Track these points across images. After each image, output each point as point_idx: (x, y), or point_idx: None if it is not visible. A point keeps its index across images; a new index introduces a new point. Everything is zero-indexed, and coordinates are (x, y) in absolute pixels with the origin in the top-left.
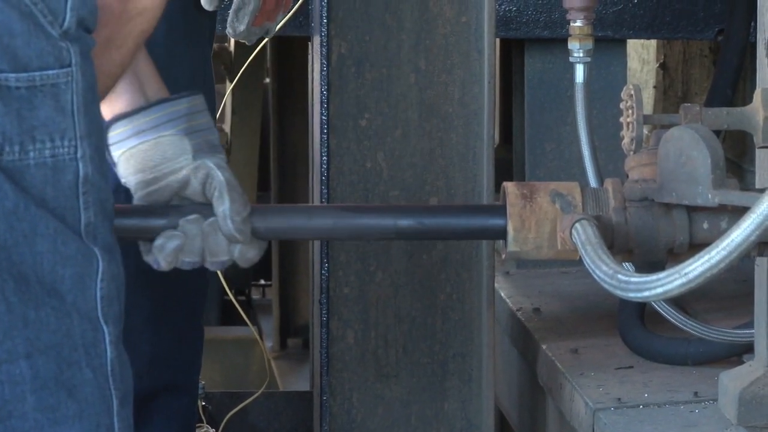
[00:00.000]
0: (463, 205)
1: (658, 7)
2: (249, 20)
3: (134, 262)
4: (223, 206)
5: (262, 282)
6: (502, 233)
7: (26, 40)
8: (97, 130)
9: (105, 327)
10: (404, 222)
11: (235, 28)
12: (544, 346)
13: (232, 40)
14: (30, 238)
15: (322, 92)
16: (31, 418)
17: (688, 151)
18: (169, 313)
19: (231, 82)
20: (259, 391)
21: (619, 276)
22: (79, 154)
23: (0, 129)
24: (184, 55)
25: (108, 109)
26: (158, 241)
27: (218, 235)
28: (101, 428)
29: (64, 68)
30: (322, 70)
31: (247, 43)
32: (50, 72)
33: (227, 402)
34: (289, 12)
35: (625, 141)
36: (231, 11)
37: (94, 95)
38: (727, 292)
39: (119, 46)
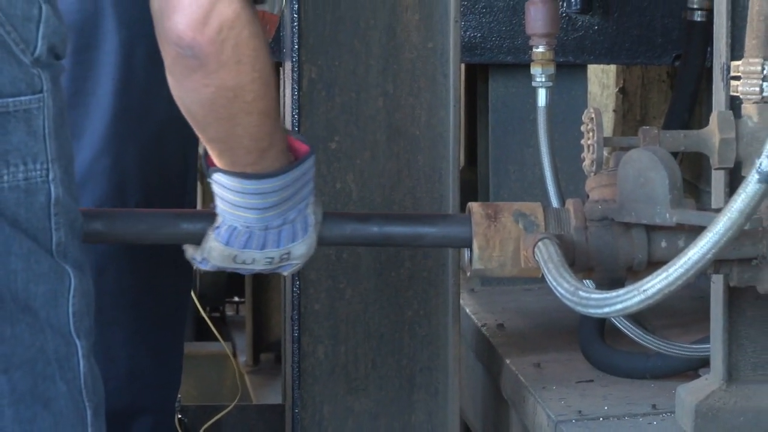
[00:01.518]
0: (431, 213)
1: (617, 34)
2: None
3: (114, 281)
4: None
5: (236, 299)
6: (465, 243)
7: None
8: (67, 153)
9: (77, 341)
10: (375, 230)
11: None
12: (507, 361)
13: None
14: (4, 257)
15: (293, 115)
16: (9, 431)
17: (647, 173)
18: (149, 331)
19: None
20: (233, 404)
21: (580, 293)
22: (50, 177)
23: None
24: (166, 83)
25: None
26: None
27: None
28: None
29: (36, 94)
30: (293, 94)
31: None
32: (23, 98)
33: (202, 415)
34: (270, 40)
35: (586, 163)
36: None
37: (63, 120)
38: (684, 308)
39: (238, 60)
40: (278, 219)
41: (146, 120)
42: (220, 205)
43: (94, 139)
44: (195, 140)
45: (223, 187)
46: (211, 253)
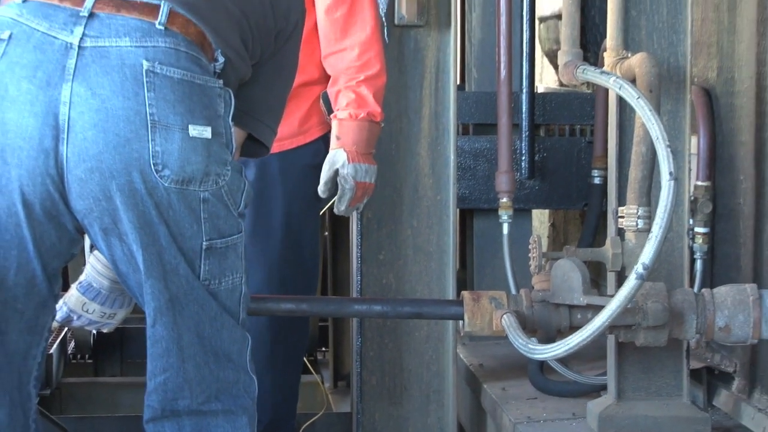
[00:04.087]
0: (438, 299)
1: (549, 191)
2: (347, 203)
3: (256, 341)
4: None
5: (323, 348)
6: (459, 316)
7: (225, 220)
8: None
9: (254, 375)
10: (407, 309)
11: (338, 208)
12: (485, 386)
13: None
14: (220, 330)
15: (357, 239)
16: (221, 425)
17: (569, 273)
18: (278, 370)
19: None
20: (321, 412)
21: (529, 345)
22: (243, 281)
23: (210, 272)
24: (308, 227)
25: None
26: None
27: None
28: (254, 427)
29: (239, 233)
30: (357, 227)
31: (346, 216)
32: (234, 236)
33: (303, 418)
34: (370, 196)
35: (532, 267)
36: (336, 198)
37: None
38: (591, 354)
39: None
40: (117, 292)
41: (301, 249)
42: (89, 269)
43: (269, 262)
44: (319, 257)
45: (98, 260)
46: (70, 298)
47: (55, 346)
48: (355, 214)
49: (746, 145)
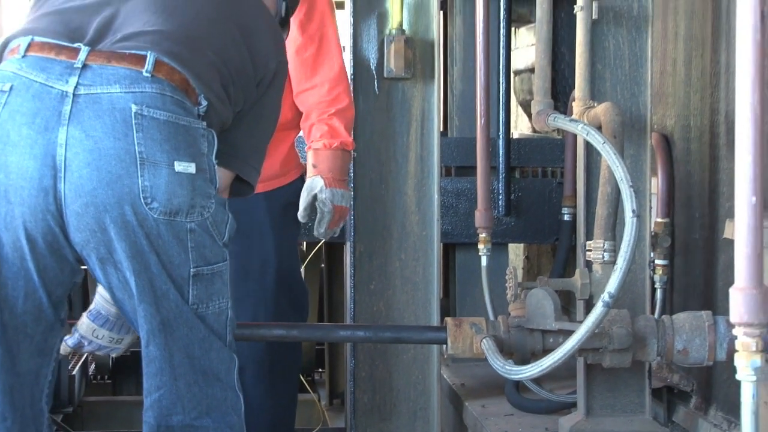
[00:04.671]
0: (417, 326)
1: (524, 227)
2: (325, 227)
3: (252, 358)
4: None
5: (320, 369)
6: (443, 341)
7: (210, 249)
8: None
9: (240, 393)
10: (388, 334)
11: (318, 231)
12: (466, 403)
13: (304, 243)
14: (208, 351)
15: (351, 270)
16: None
17: (542, 301)
18: (275, 388)
19: (302, 267)
20: (318, 428)
21: (506, 366)
22: (229, 305)
23: (198, 297)
24: (295, 257)
25: None
26: None
27: None
28: None
29: (225, 261)
30: (351, 259)
31: (324, 240)
32: (220, 264)
33: None
34: (344, 222)
35: (509, 295)
36: (315, 222)
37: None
38: (562, 374)
39: None
40: (124, 319)
41: (291, 276)
42: (97, 298)
43: (263, 290)
44: (304, 283)
45: (101, 296)
46: (81, 325)
47: (77, 368)
48: (348, 247)
49: (701, 185)
